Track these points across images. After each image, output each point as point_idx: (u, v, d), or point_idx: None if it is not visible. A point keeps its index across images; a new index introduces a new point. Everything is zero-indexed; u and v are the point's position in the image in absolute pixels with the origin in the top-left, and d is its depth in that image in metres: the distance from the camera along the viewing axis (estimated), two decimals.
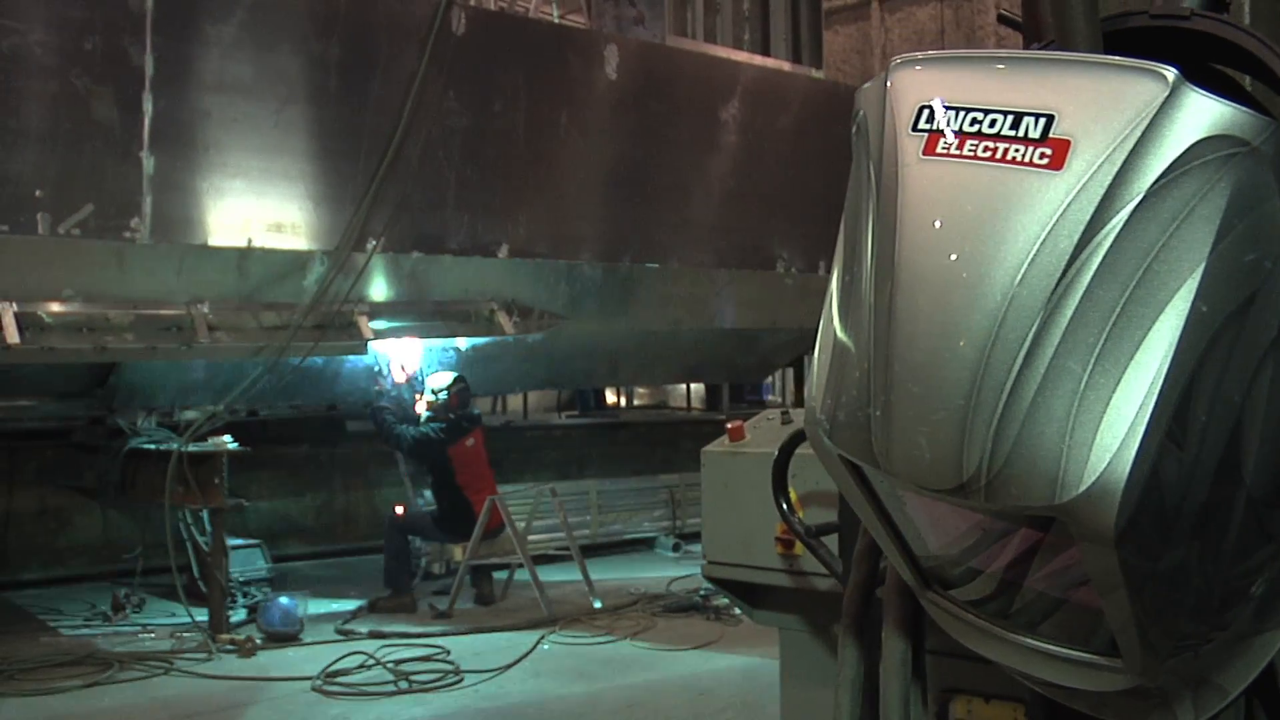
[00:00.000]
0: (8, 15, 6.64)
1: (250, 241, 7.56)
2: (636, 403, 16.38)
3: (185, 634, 7.70)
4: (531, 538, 9.09)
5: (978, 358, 1.06)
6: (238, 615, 8.12)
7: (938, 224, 1.10)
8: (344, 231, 7.80)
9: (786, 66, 11.01)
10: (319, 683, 6.62)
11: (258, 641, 7.49)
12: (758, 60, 10.66)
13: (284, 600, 7.85)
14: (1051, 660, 1.24)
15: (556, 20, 10.85)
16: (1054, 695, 1.34)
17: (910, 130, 1.14)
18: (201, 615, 7.74)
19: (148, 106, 7.11)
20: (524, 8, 11.05)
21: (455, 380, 8.81)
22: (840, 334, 1.21)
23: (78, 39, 6.84)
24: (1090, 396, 1.05)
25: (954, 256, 1.09)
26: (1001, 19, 2.51)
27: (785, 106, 10.12)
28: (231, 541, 8.22)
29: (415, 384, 8.93)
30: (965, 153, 1.11)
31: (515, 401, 13.76)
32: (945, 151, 1.12)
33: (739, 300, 10.10)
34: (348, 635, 7.78)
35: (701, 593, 8.78)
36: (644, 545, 11.36)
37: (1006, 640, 1.27)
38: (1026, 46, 1.65)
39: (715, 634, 7.74)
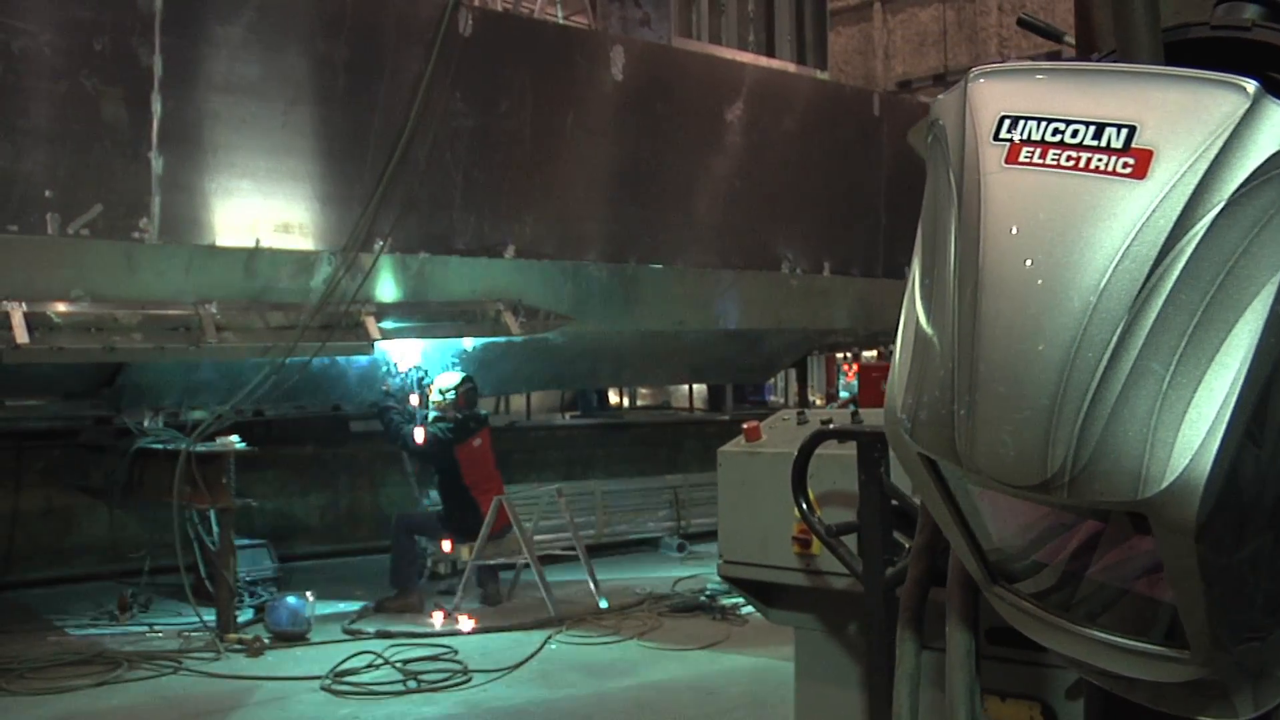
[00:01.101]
0: (18, 16, 6.65)
1: (258, 242, 7.57)
2: (639, 403, 16.42)
3: (192, 634, 7.72)
4: (537, 538, 9.10)
5: (1063, 359, 1.10)
6: (244, 615, 8.13)
7: (1020, 230, 1.14)
8: (351, 232, 7.82)
9: (792, 67, 11.03)
10: (328, 682, 6.64)
11: (265, 641, 7.51)
12: (763, 61, 10.68)
13: (291, 600, 7.87)
14: (1116, 651, 1.28)
15: (561, 21, 10.88)
16: (1112, 687, 1.37)
17: (992, 139, 1.19)
18: (209, 615, 7.75)
19: (156, 107, 7.12)
20: (529, 9, 11.08)
21: (463, 380, 8.83)
22: (922, 336, 1.25)
23: (87, 40, 6.85)
24: (1172, 396, 1.10)
25: (1035, 262, 1.13)
26: (1022, 23, 2.53)
27: (790, 107, 10.14)
28: (238, 541, 8.24)
29: (422, 384, 8.95)
30: (1048, 162, 1.15)
31: (518, 401, 13.78)
32: (1028, 160, 1.16)
33: (743, 301, 10.12)
34: (355, 635, 7.80)
35: (707, 593, 8.80)
36: (648, 545, 11.38)
37: (1071, 632, 1.31)
38: (1081, 57, 1.68)
39: (722, 634, 7.75)
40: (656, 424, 13.62)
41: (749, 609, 8.29)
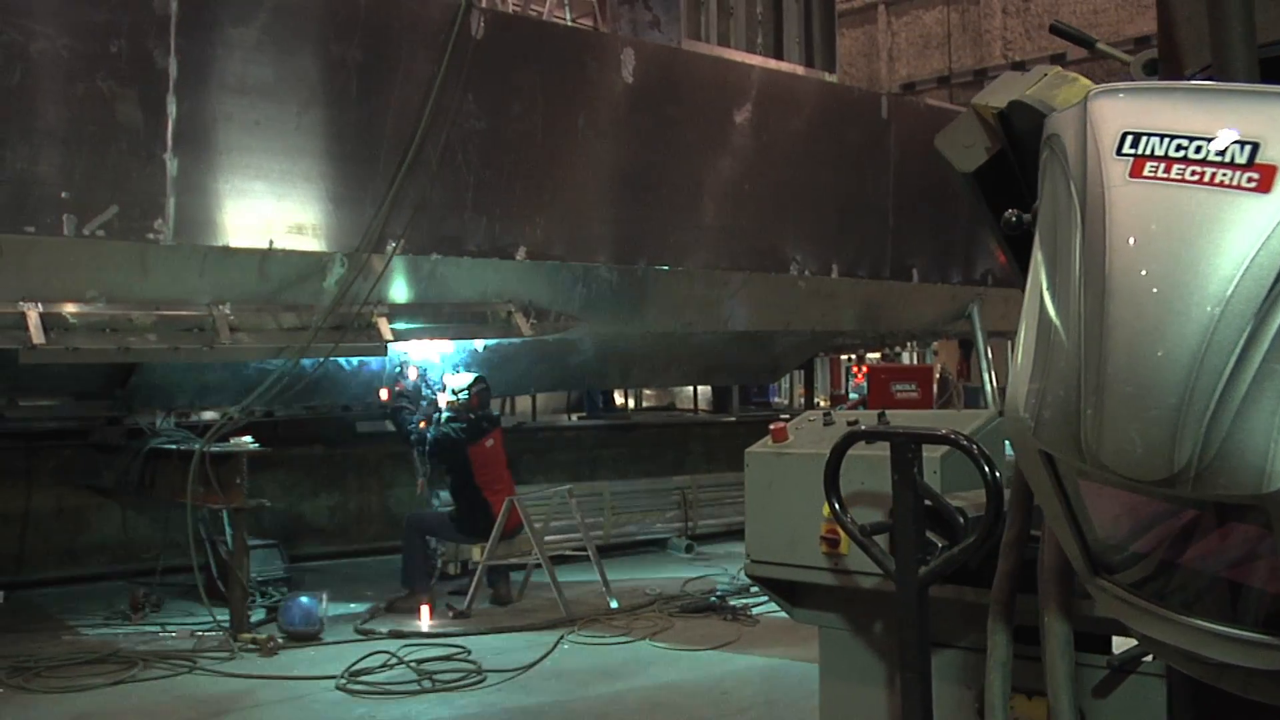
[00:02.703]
0: (35, 19, 6.69)
1: (271, 243, 7.60)
2: (644, 404, 16.47)
3: (205, 634, 7.75)
4: (547, 538, 9.14)
5: (1191, 361, 1.15)
6: (256, 615, 8.16)
7: (1144, 241, 1.19)
8: (364, 233, 7.85)
9: (800, 70, 11.07)
10: (344, 681, 6.67)
11: (279, 641, 7.54)
12: (772, 64, 10.72)
13: (304, 600, 7.90)
14: (1213, 638, 1.33)
15: (570, 23, 10.92)
16: (1201, 675, 1.42)
17: (1114, 154, 1.24)
18: (221, 614, 7.78)
19: (171, 109, 7.15)
20: (538, 11, 11.11)
21: (475, 380, 8.87)
22: (1046, 340, 1.30)
23: (103, 42, 6.88)
24: None
25: (1153, 271, 1.18)
26: (1055, 29, 2.56)
27: (799, 109, 10.18)
28: (249, 542, 8.26)
29: (433, 384, 8.99)
30: (1173, 176, 1.21)
31: (523, 403, 13.83)
32: (1153, 175, 1.22)
33: (752, 302, 10.16)
34: (367, 635, 7.83)
35: (718, 593, 8.84)
36: (656, 546, 11.43)
37: (1169, 620, 1.37)
38: (1175, 75, 1.73)
39: (733, 634, 7.78)
40: (663, 425, 13.66)
41: (760, 610, 8.35)
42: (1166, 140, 1.21)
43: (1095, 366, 1.21)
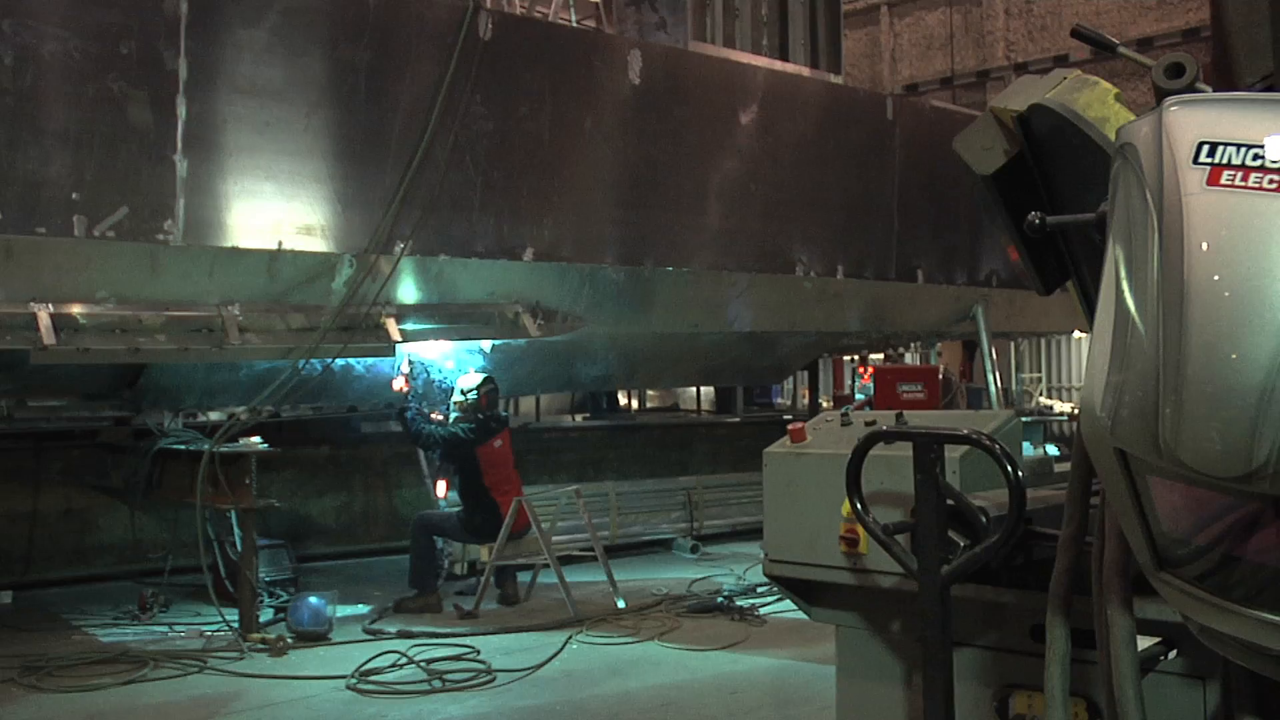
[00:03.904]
0: (47, 21, 6.71)
1: (280, 244, 7.62)
2: (648, 405, 16.48)
3: (214, 633, 7.77)
4: (554, 538, 9.16)
5: (1269, 363, 1.19)
6: (264, 615, 8.18)
7: (1224, 247, 1.23)
8: (372, 234, 7.87)
9: (806, 71, 11.09)
10: (354, 681, 6.69)
11: (289, 641, 7.56)
12: (778, 66, 10.73)
13: (313, 600, 7.92)
14: (1277, 630, 1.36)
15: (575, 25, 10.94)
16: (1261, 668, 1.45)
17: (1191, 163, 1.28)
18: (230, 615, 7.80)
19: (181, 110, 7.17)
20: (543, 13, 11.14)
21: (484, 381, 8.90)
22: (1123, 344, 1.34)
23: (114, 44, 6.91)
24: None
25: (1240, 275, 1.22)
26: (1076, 33, 2.58)
27: (804, 111, 10.20)
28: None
29: (441, 385, 9.01)
30: (1249, 184, 1.25)
31: (527, 403, 13.85)
32: (1229, 183, 1.27)
33: (758, 303, 10.18)
34: (376, 635, 7.85)
35: (725, 594, 8.86)
36: (661, 546, 11.46)
37: (1235, 613, 1.41)
38: (1229, 84, 1.77)
39: (741, 635, 7.81)
40: (668, 426, 13.69)
41: (767, 610, 8.38)
42: (1243, 149, 1.26)
43: (1174, 368, 1.26)
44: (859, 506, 2.94)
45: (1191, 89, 2.43)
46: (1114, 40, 2.91)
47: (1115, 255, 1.39)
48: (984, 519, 2.80)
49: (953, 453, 3.04)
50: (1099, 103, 2.75)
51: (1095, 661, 3.08)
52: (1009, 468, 2.71)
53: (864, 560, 3.23)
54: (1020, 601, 3.08)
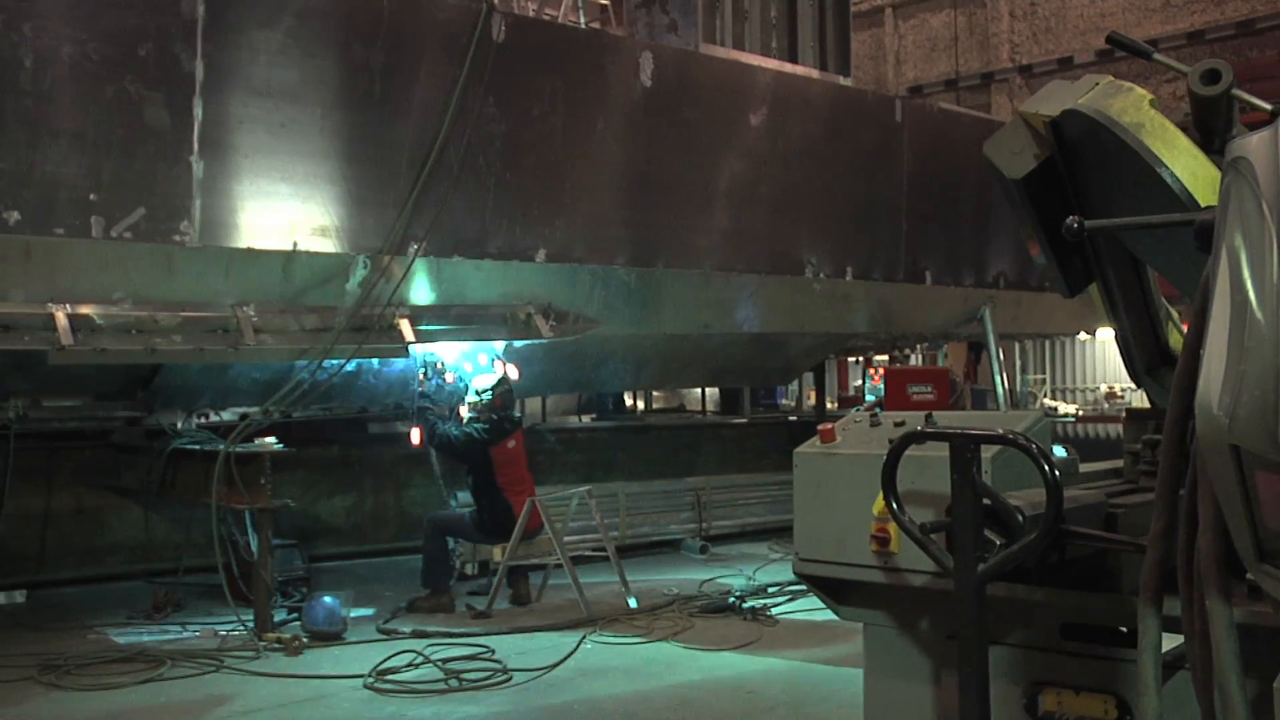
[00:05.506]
0: (65, 24, 6.75)
1: (295, 245, 7.67)
2: (654, 406, 16.52)
3: (229, 633, 7.80)
4: (565, 539, 9.19)
5: None
6: (277, 615, 8.20)
7: None
8: (386, 236, 7.91)
9: (815, 73, 11.14)
10: (371, 680, 6.72)
11: (304, 640, 7.58)
12: (788, 68, 10.78)
13: (328, 599, 7.95)
14: None
15: (584, 26, 10.97)
16: None
17: None
18: (244, 614, 7.83)
19: (198, 112, 7.22)
20: (552, 15, 11.18)
21: (499, 381, 8.93)
22: (1239, 348, 1.39)
23: (131, 46, 6.94)
24: None
25: None
26: (1111, 39, 2.63)
27: (813, 113, 10.25)
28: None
29: (458, 385, 9.04)
30: None
31: (533, 404, 13.88)
32: None
33: (767, 305, 10.22)
34: (390, 635, 7.88)
35: (736, 594, 8.89)
36: (670, 547, 11.49)
37: None
38: None
39: (754, 635, 7.84)
40: (676, 427, 13.73)
41: (779, 610, 8.41)
42: None
43: None
44: (895, 505, 2.97)
45: (1229, 94, 2.47)
46: (1150, 47, 2.96)
47: (1228, 264, 1.44)
48: (1020, 518, 2.83)
49: (985, 453, 3.07)
50: (1134, 108, 2.79)
51: (1124, 659, 3.13)
52: (1046, 467, 2.75)
53: (895, 559, 3.26)
54: (1051, 600, 3.12)
